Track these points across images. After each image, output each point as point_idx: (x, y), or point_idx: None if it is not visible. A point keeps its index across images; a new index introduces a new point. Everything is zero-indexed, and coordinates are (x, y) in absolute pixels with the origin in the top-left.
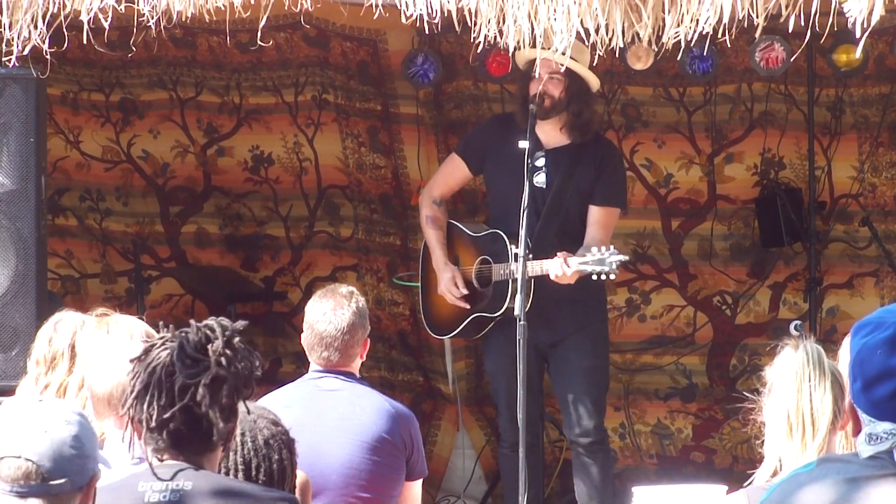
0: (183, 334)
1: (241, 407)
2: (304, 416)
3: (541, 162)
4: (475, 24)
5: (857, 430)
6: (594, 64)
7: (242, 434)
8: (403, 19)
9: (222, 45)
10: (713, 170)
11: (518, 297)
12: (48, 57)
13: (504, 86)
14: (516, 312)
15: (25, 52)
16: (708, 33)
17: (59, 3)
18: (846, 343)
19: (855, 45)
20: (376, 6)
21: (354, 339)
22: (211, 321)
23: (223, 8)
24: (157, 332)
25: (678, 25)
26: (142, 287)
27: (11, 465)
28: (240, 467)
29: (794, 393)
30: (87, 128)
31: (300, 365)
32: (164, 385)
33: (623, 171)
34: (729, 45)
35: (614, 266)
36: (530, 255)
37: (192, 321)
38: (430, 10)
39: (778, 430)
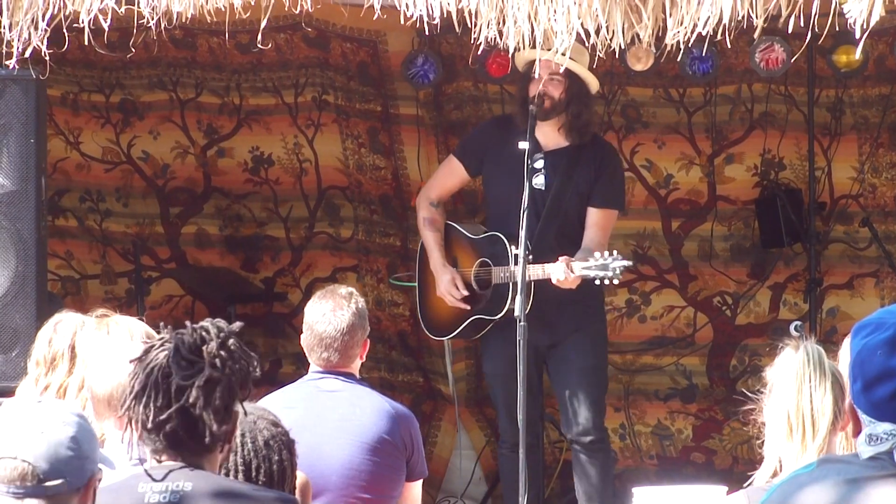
0: (178, 336)
1: (244, 407)
2: (304, 417)
3: (539, 164)
4: (475, 25)
5: (857, 431)
6: (594, 65)
7: (242, 435)
8: (403, 20)
9: (222, 46)
10: (713, 170)
11: (518, 299)
12: (47, 58)
13: (504, 87)
14: (516, 313)
15: (26, 55)
16: (708, 34)
17: (59, 4)
18: (846, 344)
19: (855, 46)
20: (377, 7)
21: (354, 339)
22: (206, 323)
23: (223, 9)
24: (158, 332)
25: (678, 26)
26: (142, 288)
27: (7, 466)
28: (240, 468)
29: (795, 394)
30: (87, 129)
31: (300, 366)
32: (160, 386)
33: (622, 172)
34: (729, 46)
35: (618, 271)
36: (530, 257)
37: (187, 323)
38: (429, 11)
39: (778, 431)
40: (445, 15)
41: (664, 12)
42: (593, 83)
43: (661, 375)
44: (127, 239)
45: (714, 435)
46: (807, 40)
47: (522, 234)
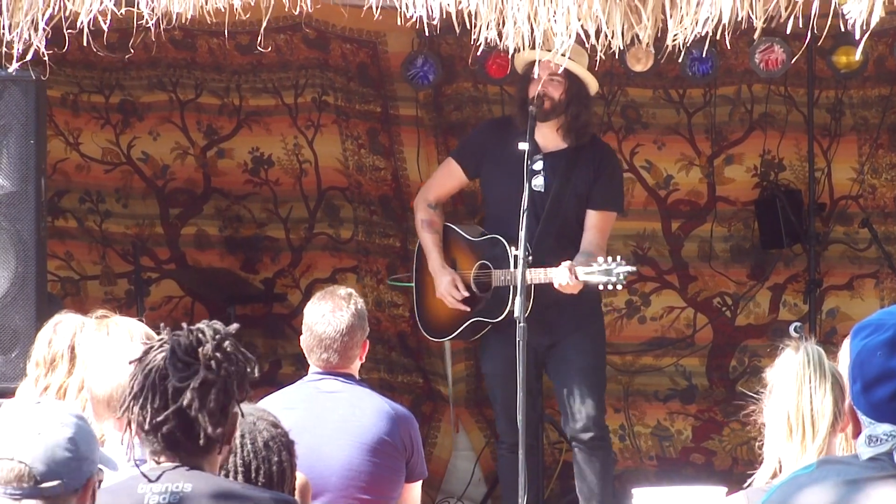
0: (175, 338)
1: (241, 409)
2: (303, 419)
3: (538, 165)
4: (475, 26)
5: (856, 432)
6: (595, 66)
7: (242, 436)
8: (401, 21)
9: (222, 47)
10: (713, 171)
11: (518, 300)
12: (45, 59)
13: (504, 87)
14: (516, 314)
15: (28, 58)
16: (708, 35)
17: (59, 4)
18: (846, 345)
19: (854, 47)
20: (376, 8)
21: (353, 340)
22: (202, 324)
23: (223, 10)
24: (158, 333)
25: (678, 27)
26: (141, 289)
27: (4, 467)
28: (239, 469)
29: (795, 395)
30: (86, 130)
31: (300, 367)
32: (157, 388)
33: (620, 174)
34: (729, 47)
35: (621, 277)
36: (530, 258)
37: (183, 324)
38: (429, 12)
39: (778, 432)
40: (445, 16)
41: (664, 13)
42: (593, 84)
43: (661, 376)
44: (127, 240)
45: (714, 436)
46: (806, 41)
47: (522, 235)
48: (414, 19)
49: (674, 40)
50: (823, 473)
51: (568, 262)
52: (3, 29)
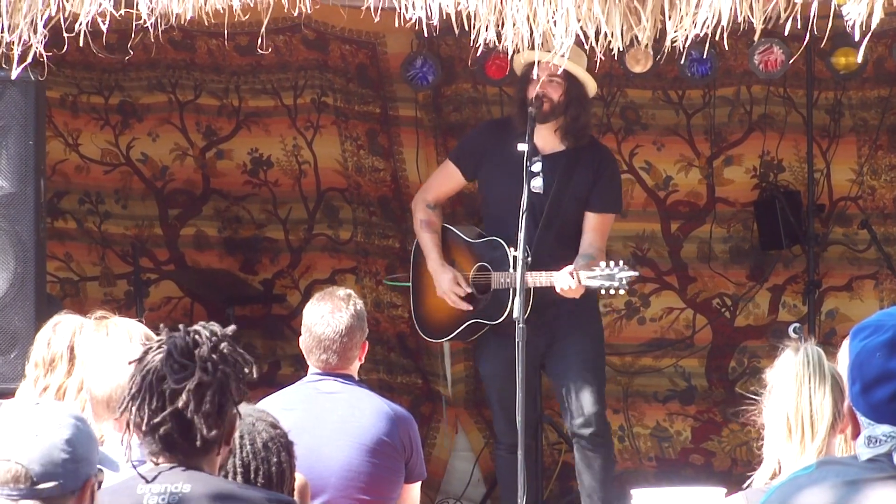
0: (171, 339)
1: (240, 410)
2: (303, 419)
3: (537, 167)
4: (474, 27)
5: (856, 433)
6: (594, 68)
7: (241, 437)
8: (400, 23)
9: (221, 48)
10: (712, 172)
11: (517, 301)
12: (44, 60)
13: (503, 88)
14: (515, 315)
15: (28, 61)
16: (707, 36)
17: (59, 4)
18: (845, 346)
19: (853, 48)
20: (375, 9)
21: (353, 341)
22: (199, 326)
23: (222, 11)
24: (157, 334)
25: (677, 27)
26: (141, 290)
27: (1, 468)
28: (238, 470)
29: (794, 395)
30: (86, 130)
31: (299, 368)
32: (155, 389)
33: (619, 176)
34: (728, 48)
35: (624, 282)
36: (529, 260)
37: (180, 326)
38: (428, 13)
39: (777, 433)
40: (444, 17)
41: (663, 14)
42: (591, 86)
43: (660, 377)
44: (126, 241)
45: (713, 437)
46: (805, 42)
47: (521, 236)
48: (413, 20)
49: (673, 42)
50: (822, 474)
51: (570, 267)
52: (4, 31)
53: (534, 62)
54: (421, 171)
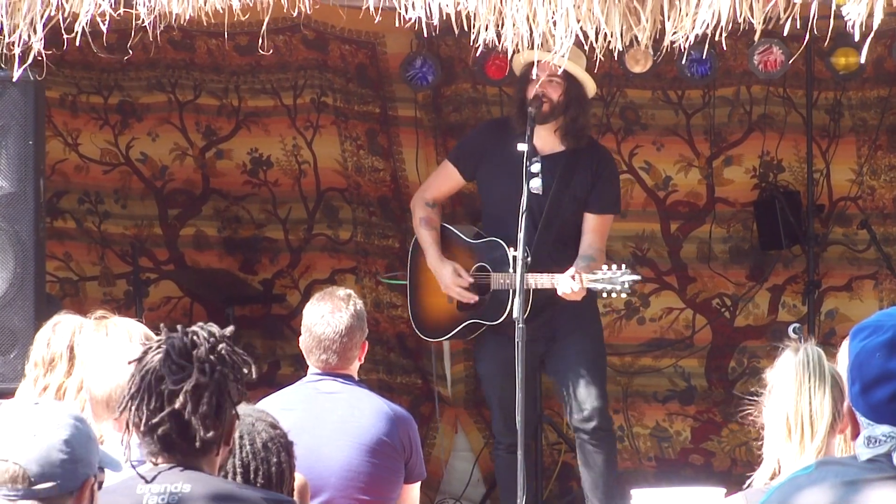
0: (169, 339)
1: (238, 411)
2: (302, 419)
3: (536, 167)
4: (474, 27)
5: (855, 433)
6: (594, 68)
7: (241, 437)
8: (400, 23)
9: (221, 48)
10: (712, 172)
11: (516, 301)
12: (43, 59)
13: (503, 89)
14: (514, 315)
15: (29, 62)
16: (706, 36)
17: (58, 4)
18: (845, 346)
19: (853, 48)
20: (375, 9)
21: (353, 341)
22: (197, 326)
23: (221, 11)
24: (157, 334)
25: (677, 27)
26: (140, 290)
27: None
28: (238, 470)
29: (794, 395)
30: (85, 130)
31: (299, 368)
32: (153, 389)
33: (618, 177)
34: (727, 49)
35: (626, 286)
36: (529, 259)
37: (179, 326)
38: (428, 13)
39: (777, 433)
40: (444, 17)
41: (662, 14)
42: (591, 86)
43: (660, 377)
44: (125, 240)
45: (713, 437)
46: (805, 42)
47: (521, 236)
48: (413, 20)
49: (672, 42)
50: (822, 474)
51: (572, 270)
52: (4, 32)
53: (533, 62)
54: (420, 171)
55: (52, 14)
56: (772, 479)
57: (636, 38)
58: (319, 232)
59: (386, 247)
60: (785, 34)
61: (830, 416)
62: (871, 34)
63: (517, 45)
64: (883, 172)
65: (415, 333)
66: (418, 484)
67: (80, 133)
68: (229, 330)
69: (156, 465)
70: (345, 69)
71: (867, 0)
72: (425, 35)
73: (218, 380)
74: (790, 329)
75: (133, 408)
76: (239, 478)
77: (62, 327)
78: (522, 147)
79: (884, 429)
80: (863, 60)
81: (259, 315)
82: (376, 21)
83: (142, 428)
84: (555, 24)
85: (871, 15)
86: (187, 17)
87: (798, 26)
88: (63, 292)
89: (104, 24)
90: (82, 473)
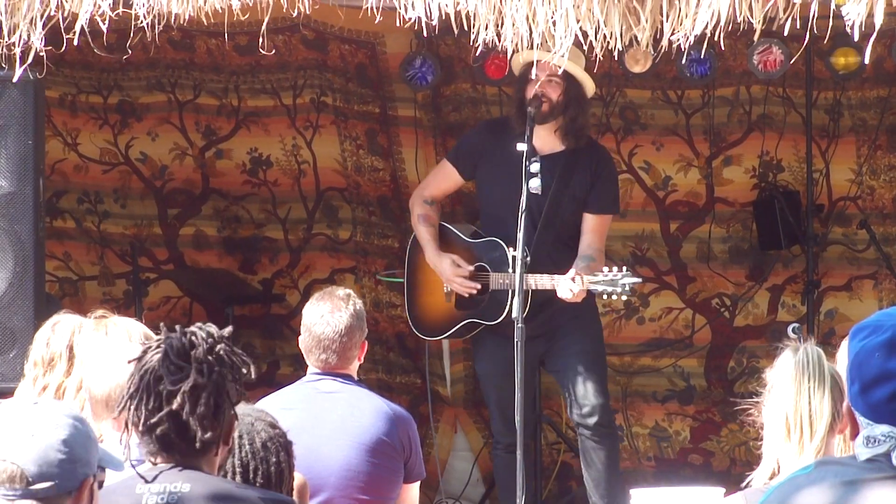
0: (168, 340)
1: (237, 411)
2: (302, 419)
3: (535, 167)
4: (473, 27)
5: (854, 433)
6: (593, 68)
7: (240, 437)
8: (399, 22)
9: (221, 48)
10: (711, 172)
11: (516, 300)
12: (43, 58)
13: (502, 88)
14: (514, 315)
15: (29, 62)
16: (706, 36)
17: (57, 4)
18: (844, 346)
19: (853, 48)
20: (375, 9)
21: (352, 341)
22: (195, 327)
23: (221, 10)
24: (157, 334)
25: (676, 28)
26: (140, 289)
27: None
28: (237, 470)
29: (793, 395)
30: (85, 130)
31: (298, 367)
32: (152, 389)
33: (617, 177)
34: (727, 48)
35: (627, 288)
36: (528, 259)
37: (177, 326)
38: (428, 13)
39: (776, 432)
40: (444, 17)
41: (662, 14)
42: (590, 86)
43: (659, 377)
44: (125, 240)
45: (712, 437)
46: (805, 42)
47: (520, 236)
48: (412, 20)
49: (672, 42)
50: (821, 474)
51: (572, 272)
52: (4, 32)
53: (532, 62)
54: (420, 170)
55: (52, 14)
56: (771, 478)
57: (636, 37)
58: (319, 232)
59: (385, 246)
60: (785, 34)
61: (830, 416)
62: (873, 35)
63: (517, 45)
64: (882, 172)
65: (414, 333)
66: (418, 483)
67: (79, 133)
68: (228, 330)
69: (155, 464)
70: (344, 69)
71: (867, 0)
72: (425, 35)
73: (216, 380)
74: (789, 329)
75: (132, 407)
76: (238, 477)
77: (61, 327)
78: (522, 147)
79: (883, 428)
80: (866, 61)
81: (258, 315)
82: (376, 21)
83: (140, 427)
84: (554, 23)
85: (871, 15)
86: (187, 17)
87: (798, 26)
88: (62, 292)
89: (104, 24)
90: (81, 473)
